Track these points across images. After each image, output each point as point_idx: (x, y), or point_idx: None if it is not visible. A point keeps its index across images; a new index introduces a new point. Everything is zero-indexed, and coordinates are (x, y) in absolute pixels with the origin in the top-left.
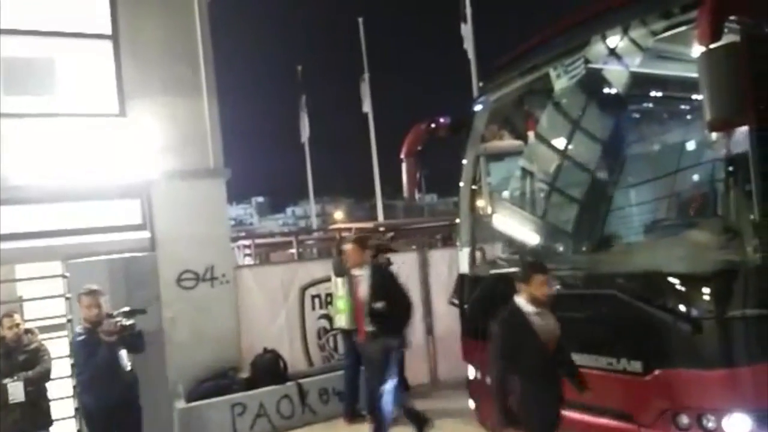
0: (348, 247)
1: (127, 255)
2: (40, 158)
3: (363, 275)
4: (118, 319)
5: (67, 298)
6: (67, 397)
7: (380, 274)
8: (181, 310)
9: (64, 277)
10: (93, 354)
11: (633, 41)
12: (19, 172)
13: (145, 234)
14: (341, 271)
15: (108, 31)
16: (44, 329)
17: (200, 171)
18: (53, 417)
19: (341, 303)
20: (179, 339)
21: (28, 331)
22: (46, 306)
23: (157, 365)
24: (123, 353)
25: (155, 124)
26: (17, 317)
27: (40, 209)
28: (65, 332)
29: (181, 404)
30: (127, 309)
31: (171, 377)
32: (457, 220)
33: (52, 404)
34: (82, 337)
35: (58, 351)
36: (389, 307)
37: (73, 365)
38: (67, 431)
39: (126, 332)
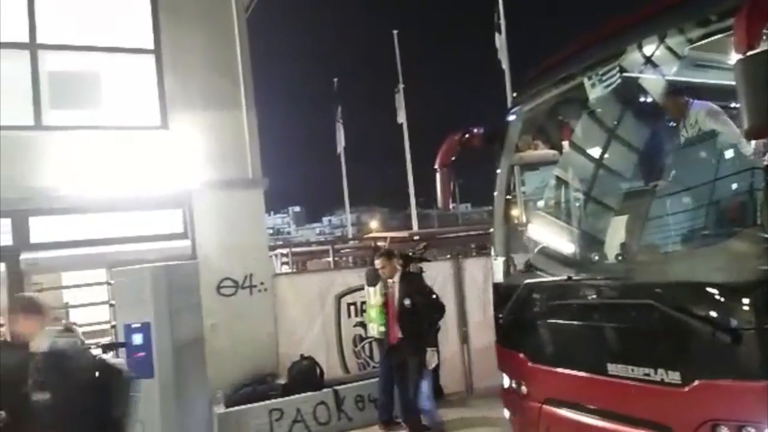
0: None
1: (169, 263)
2: (86, 169)
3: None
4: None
5: (111, 305)
6: None
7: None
8: (220, 317)
9: (108, 284)
10: None
11: (669, 49)
12: (66, 183)
13: (186, 243)
14: (374, 280)
15: (150, 45)
16: (89, 335)
17: (239, 181)
18: None
19: (373, 312)
20: (219, 345)
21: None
22: (91, 312)
23: (198, 371)
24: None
25: (196, 136)
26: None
27: (86, 219)
28: (110, 338)
29: (220, 409)
30: (105, 341)
31: (211, 382)
32: (492, 230)
33: None
34: None
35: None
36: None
37: None
38: None
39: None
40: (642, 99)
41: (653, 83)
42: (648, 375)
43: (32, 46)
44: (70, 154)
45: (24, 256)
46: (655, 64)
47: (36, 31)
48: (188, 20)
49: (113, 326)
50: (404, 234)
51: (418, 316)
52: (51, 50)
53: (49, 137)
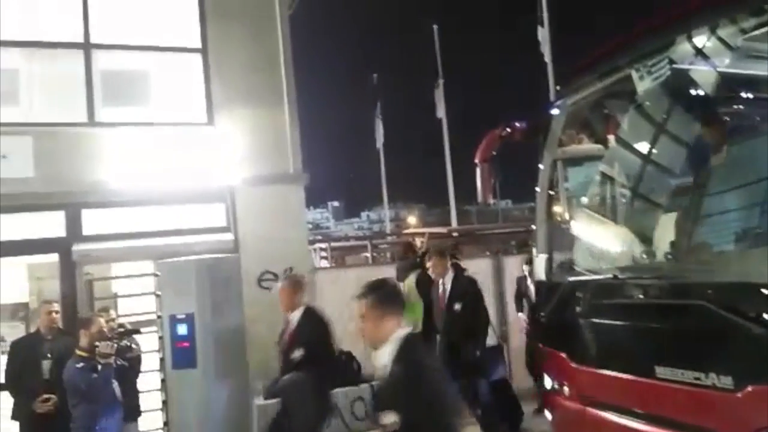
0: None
1: (212, 255)
2: (135, 164)
3: None
4: (114, 340)
5: (158, 296)
6: (155, 390)
7: None
8: (261, 310)
9: (155, 275)
10: (93, 381)
11: (721, 40)
12: (115, 178)
13: (229, 236)
14: (402, 275)
15: (198, 44)
16: (136, 324)
17: (281, 176)
18: (142, 409)
19: None
20: (259, 337)
21: (121, 326)
22: (138, 303)
23: (238, 362)
24: (115, 383)
25: (240, 133)
26: (113, 313)
27: (134, 212)
28: (155, 328)
29: (260, 401)
30: (122, 330)
31: (251, 374)
32: (533, 226)
33: (141, 396)
34: (81, 364)
35: (149, 345)
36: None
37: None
38: (155, 423)
39: (123, 354)
40: (692, 92)
41: (704, 75)
42: (698, 379)
43: (86, 46)
44: (121, 150)
45: (76, 247)
46: (706, 55)
47: (90, 31)
48: (234, 20)
49: (159, 317)
50: (443, 230)
51: None
52: (104, 50)
53: (102, 133)
